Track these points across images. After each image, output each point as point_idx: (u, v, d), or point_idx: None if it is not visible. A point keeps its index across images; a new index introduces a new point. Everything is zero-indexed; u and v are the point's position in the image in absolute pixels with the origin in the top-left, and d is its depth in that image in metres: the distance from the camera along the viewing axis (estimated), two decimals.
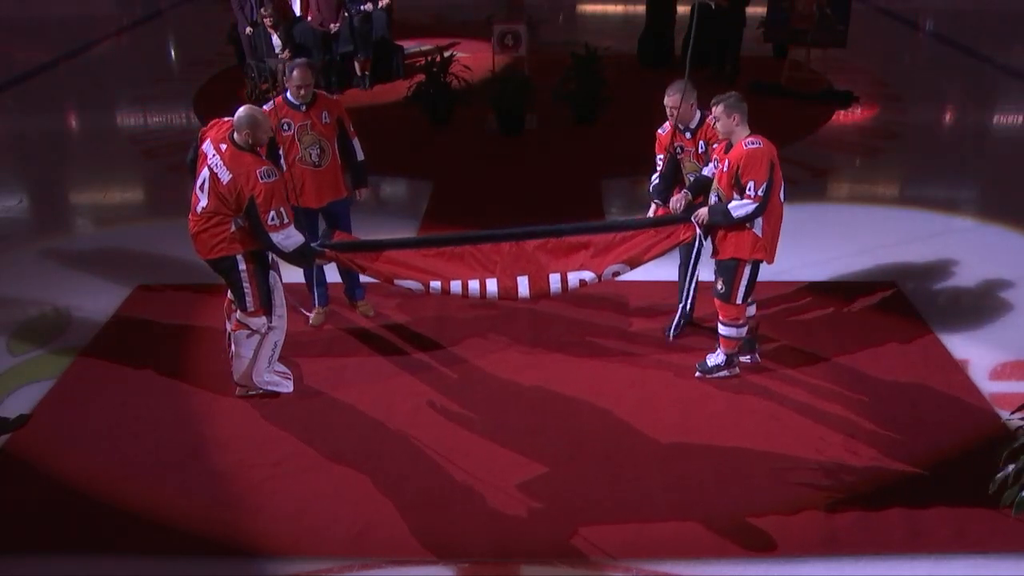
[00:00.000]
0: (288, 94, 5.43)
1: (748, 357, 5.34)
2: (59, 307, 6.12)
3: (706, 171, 5.14)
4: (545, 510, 4.27)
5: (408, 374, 5.34)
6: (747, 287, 4.99)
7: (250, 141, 4.63)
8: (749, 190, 4.68)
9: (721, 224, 4.85)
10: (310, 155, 5.44)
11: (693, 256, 5.22)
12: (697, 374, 5.24)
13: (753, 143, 4.75)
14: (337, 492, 4.39)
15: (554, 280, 4.95)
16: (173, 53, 15.15)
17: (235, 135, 4.62)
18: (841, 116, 10.50)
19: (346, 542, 4.09)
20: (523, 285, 4.94)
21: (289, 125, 5.39)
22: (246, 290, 4.80)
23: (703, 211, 4.91)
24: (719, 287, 5.02)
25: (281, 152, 5.40)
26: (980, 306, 6.16)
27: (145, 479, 4.46)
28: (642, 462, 4.58)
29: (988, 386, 5.21)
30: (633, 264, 5.00)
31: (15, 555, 4.06)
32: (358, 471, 4.51)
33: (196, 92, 11.44)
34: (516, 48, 10.44)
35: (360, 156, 5.74)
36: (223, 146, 4.61)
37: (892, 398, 5.06)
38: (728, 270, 4.95)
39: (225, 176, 4.56)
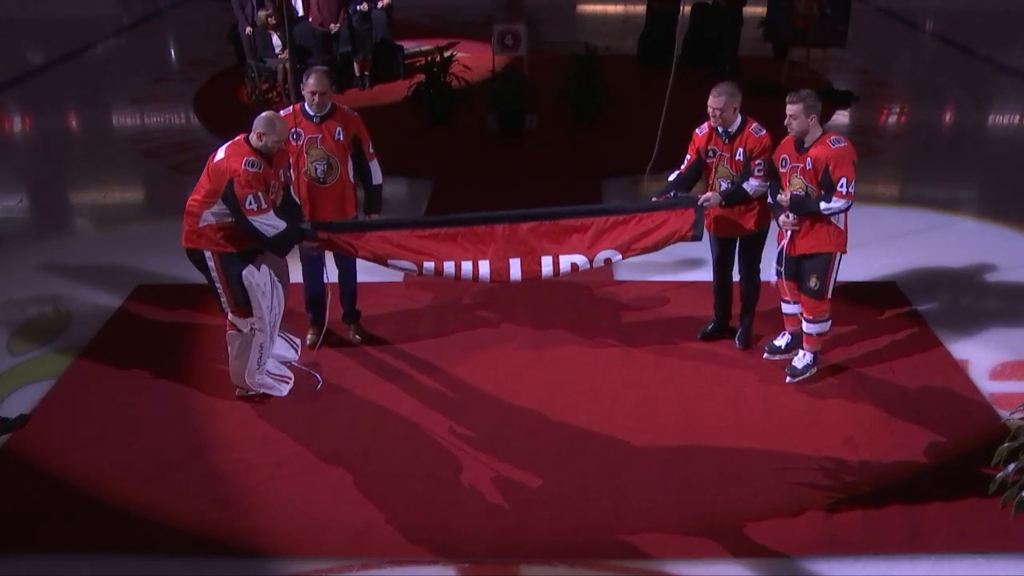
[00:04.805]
0: (305, 103, 5.22)
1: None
2: (59, 307, 6.12)
3: (747, 187, 5.10)
4: (545, 510, 4.27)
5: (408, 374, 5.33)
6: (834, 280, 5.07)
7: (260, 142, 4.68)
8: (841, 186, 4.79)
9: (803, 215, 4.94)
10: (315, 169, 5.22)
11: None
12: (788, 380, 5.20)
13: (839, 141, 4.87)
14: (337, 492, 4.39)
15: (546, 263, 4.97)
16: (173, 53, 15.15)
17: (251, 134, 4.73)
18: (841, 116, 10.49)
19: (346, 542, 4.09)
20: (515, 267, 4.95)
21: (299, 135, 5.19)
22: (218, 288, 4.84)
23: (784, 198, 4.96)
24: (812, 284, 5.04)
25: (291, 160, 5.29)
26: (980, 306, 6.17)
27: (145, 479, 4.46)
28: (642, 462, 4.59)
29: (988, 386, 5.21)
30: (624, 251, 5.00)
31: (15, 555, 4.06)
32: (358, 471, 4.51)
33: (196, 92, 11.44)
34: (516, 48, 10.42)
35: (377, 180, 5.46)
36: (236, 138, 4.78)
37: (892, 398, 5.06)
38: (821, 265, 5.00)
39: (220, 155, 4.70)
